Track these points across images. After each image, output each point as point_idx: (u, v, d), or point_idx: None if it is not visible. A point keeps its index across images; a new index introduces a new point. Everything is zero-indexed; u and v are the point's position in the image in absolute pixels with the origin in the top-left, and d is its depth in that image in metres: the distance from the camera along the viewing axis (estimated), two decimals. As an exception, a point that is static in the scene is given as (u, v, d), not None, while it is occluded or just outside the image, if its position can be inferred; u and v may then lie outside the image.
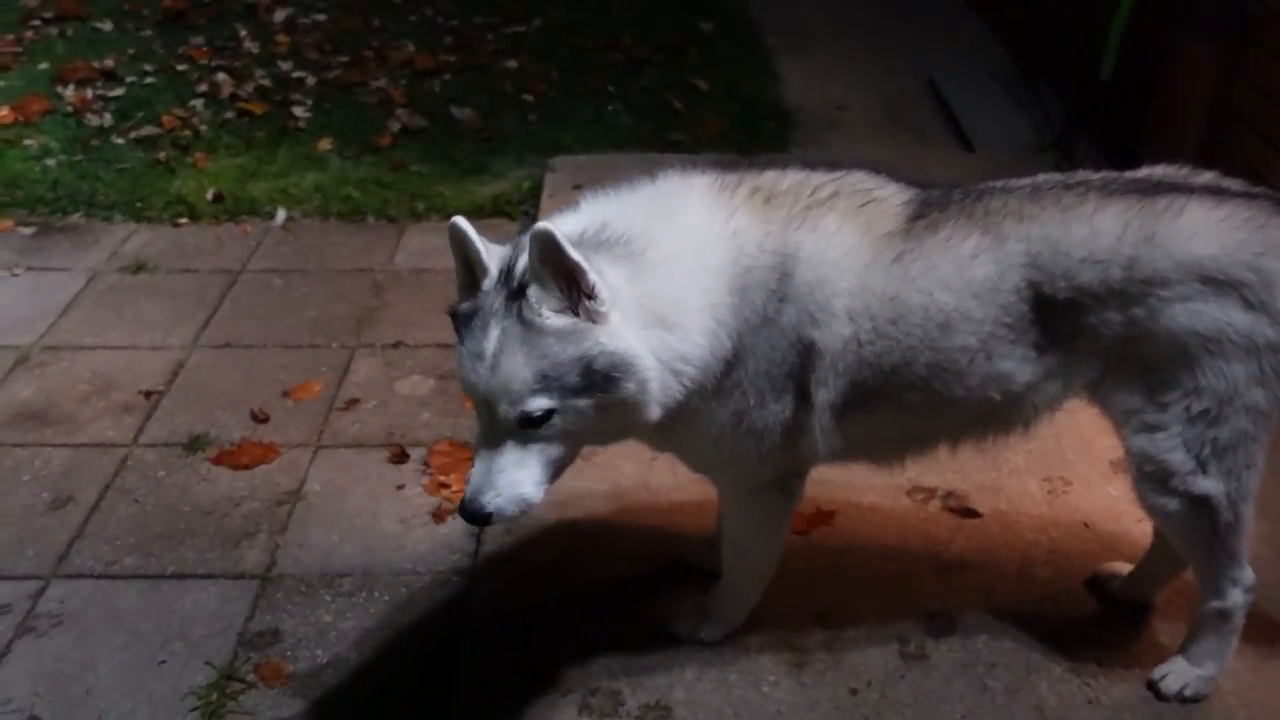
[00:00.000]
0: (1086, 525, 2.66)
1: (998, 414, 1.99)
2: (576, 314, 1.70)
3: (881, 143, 4.87)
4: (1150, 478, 1.99)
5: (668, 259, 1.80)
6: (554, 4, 6.41)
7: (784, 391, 1.88)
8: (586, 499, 2.76)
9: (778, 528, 2.17)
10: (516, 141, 4.76)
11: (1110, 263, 1.84)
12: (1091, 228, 1.85)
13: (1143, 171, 2.02)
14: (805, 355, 1.86)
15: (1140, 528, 2.53)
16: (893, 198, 1.91)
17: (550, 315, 1.69)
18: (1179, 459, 1.95)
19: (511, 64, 5.60)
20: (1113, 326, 1.88)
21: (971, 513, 2.70)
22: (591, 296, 1.69)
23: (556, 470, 1.82)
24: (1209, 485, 1.95)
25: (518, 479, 1.77)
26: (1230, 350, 1.85)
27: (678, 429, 1.92)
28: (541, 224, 1.66)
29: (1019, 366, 1.91)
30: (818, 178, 1.93)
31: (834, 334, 1.85)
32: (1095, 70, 4.21)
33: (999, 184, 1.99)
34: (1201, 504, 1.97)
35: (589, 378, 1.71)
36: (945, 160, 4.63)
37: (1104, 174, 1.99)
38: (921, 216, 1.89)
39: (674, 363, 1.77)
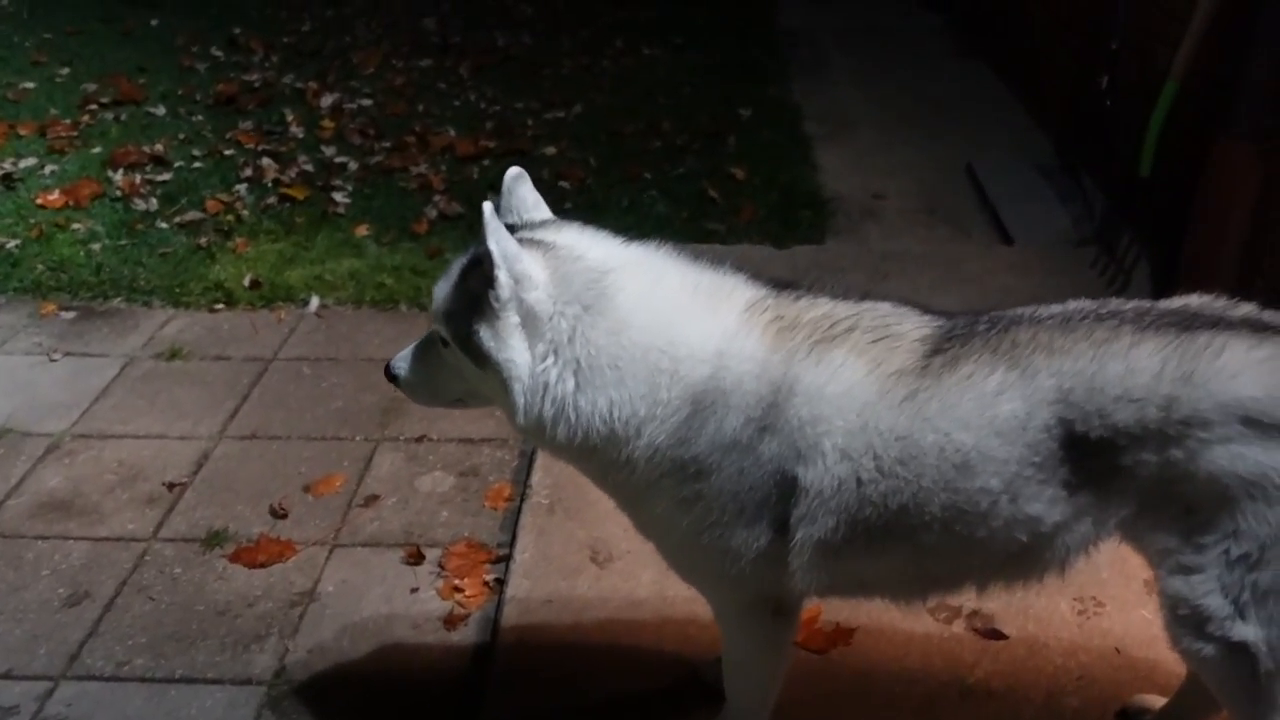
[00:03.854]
0: (1119, 651, 2.55)
1: (1027, 556, 1.90)
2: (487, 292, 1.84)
3: (918, 234, 4.83)
4: (1185, 621, 1.89)
5: (631, 326, 1.85)
6: (595, 89, 6.50)
7: (756, 520, 1.86)
8: (601, 608, 2.71)
9: (772, 651, 2.11)
10: None
11: (1147, 402, 1.76)
12: (1127, 364, 1.78)
13: (1178, 302, 1.94)
14: (787, 489, 1.83)
15: (1175, 655, 2.41)
16: (911, 333, 1.86)
17: (472, 280, 1.86)
18: (1216, 603, 1.85)
19: (551, 150, 5.65)
20: (1149, 467, 1.80)
21: (998, 634, 2.61)
22: (489, 285, 1.81)
23: (447, 386, 2.04)
24: (1248, 631, 1.85)
25: (411, 364, 2.09)
26: (1274, 494, 1.75)
27: (637, 514, 2.03)
28: (487, 203, 1.82)
29: (1048, 508, 1.83)
30: (843, 309, 1.91)
31: (824, 472, 1.80)
32: (1136, 164, 4.16)
33: (1027, 312, 1.92)
34: (1240, 651, 1.86)
35: (471, 346, 1.88)
36: (983, 253, 4.57)
37: (1136, 304, 1.91)
38: (940, 352, 1.83)
39: (560, 400, 1.87)
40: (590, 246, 1.92)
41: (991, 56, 6.75)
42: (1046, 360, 1.80)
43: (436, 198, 5.07)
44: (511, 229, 1.95)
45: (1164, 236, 4.14)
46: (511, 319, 1.84)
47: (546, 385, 1.85)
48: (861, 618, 2.61)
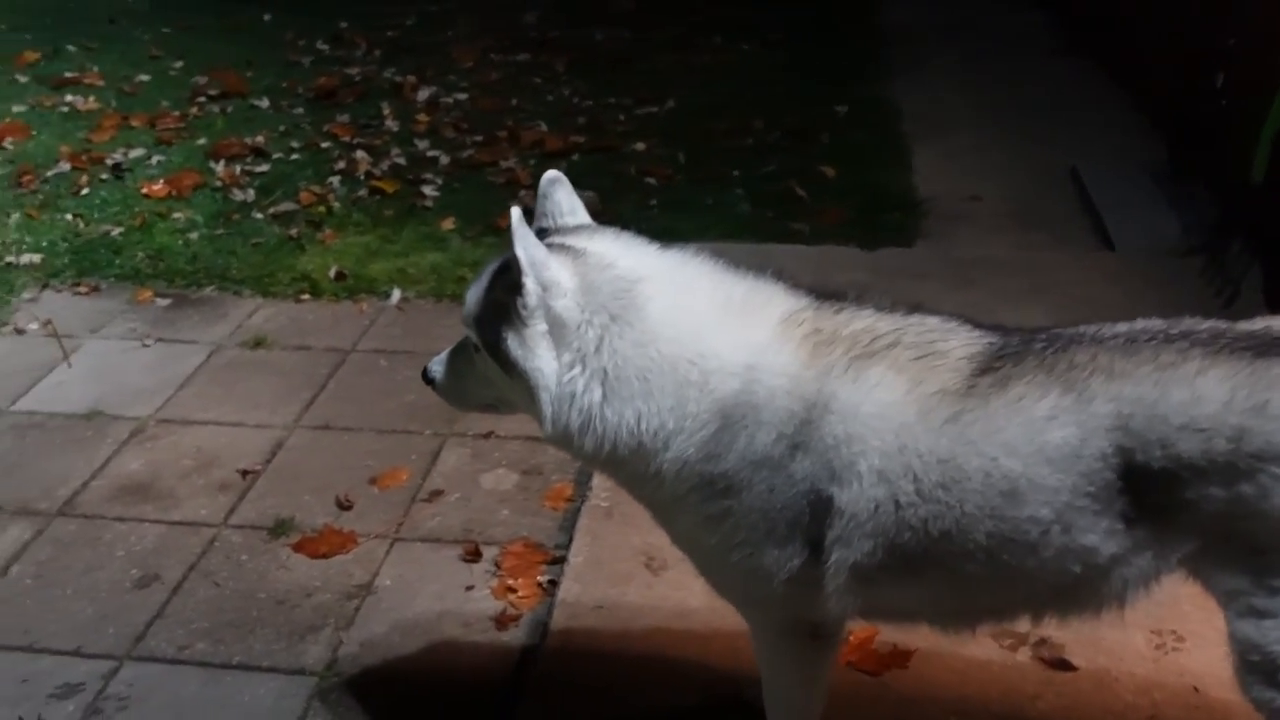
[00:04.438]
0: (1197, 690, 2.40)
1: (1081, 588, 1.79)
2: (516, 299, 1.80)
3: (1012, 239, 4.65)
4: (1256, 669, 1.75)
5: (659, 337, 1.80)
6: (689, 86, 6.44)
7: (788, 540, 1.79)
8: (651, 615, 2.67)
9: (809, 675, 2.04)
10: (634, 227, 4.64)
11: (1214, 433, 1.63)
12: (1193, 391, 1.65)
13: (1259, 323, 1.79)
14: (821, 510, 1.75)
15: (1257, 700, 2.26)
16: (957, 350, 1.77)
17: (500, 286, 1.83)
18: None
19: (640, 146, 5.62)
20: (1215, 502, 1.67)
21: (1066, 665, 2.48)
22: (517, 291, 1.78)
23: (478, 391, 2.03)
24: None
25: (445, 368, 2.09)
26: None
27: (668, 528, 1.98)
28: (515, 207, 1.77)
29: (1104, 539, 1.72)
30: (886, 323, 1.82)
31: (859, 494, 1.72)
32: (1249, 169, 3.93)
33: (1090, 330, 1.80)
34: (1315, 706, 1.73)
35: (499, 353, 1.85)
36: (1078, 261, 4.37)
37: (1212, 324, 1.77)
38: (990, 371, 1.73)
39: (587, 410, 1.83)
40: (622, 254, 1.87)
41: (1101, 54, 6.47)
42: (1105, 384, 1.68)
43: (522, 193, 5.08)
44: (545, 233, 1.92)
45: (1277, 245, 3.90)
46: (539, 327, 1.81)
47: (573, 395, 1.82)
48: (920, 640, 2.49)
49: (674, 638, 2.59)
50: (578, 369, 1.81)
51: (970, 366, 1.74)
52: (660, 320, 1.80)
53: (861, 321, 1.81)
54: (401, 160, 5.50)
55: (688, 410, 1.78)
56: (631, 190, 5.14)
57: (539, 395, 1.83)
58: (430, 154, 5.57)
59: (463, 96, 6.36)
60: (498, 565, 2.92)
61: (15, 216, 4.92)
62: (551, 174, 2.02)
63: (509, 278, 1.80)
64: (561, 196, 2.00)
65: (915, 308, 1.86)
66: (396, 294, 4.33)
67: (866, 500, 1.72)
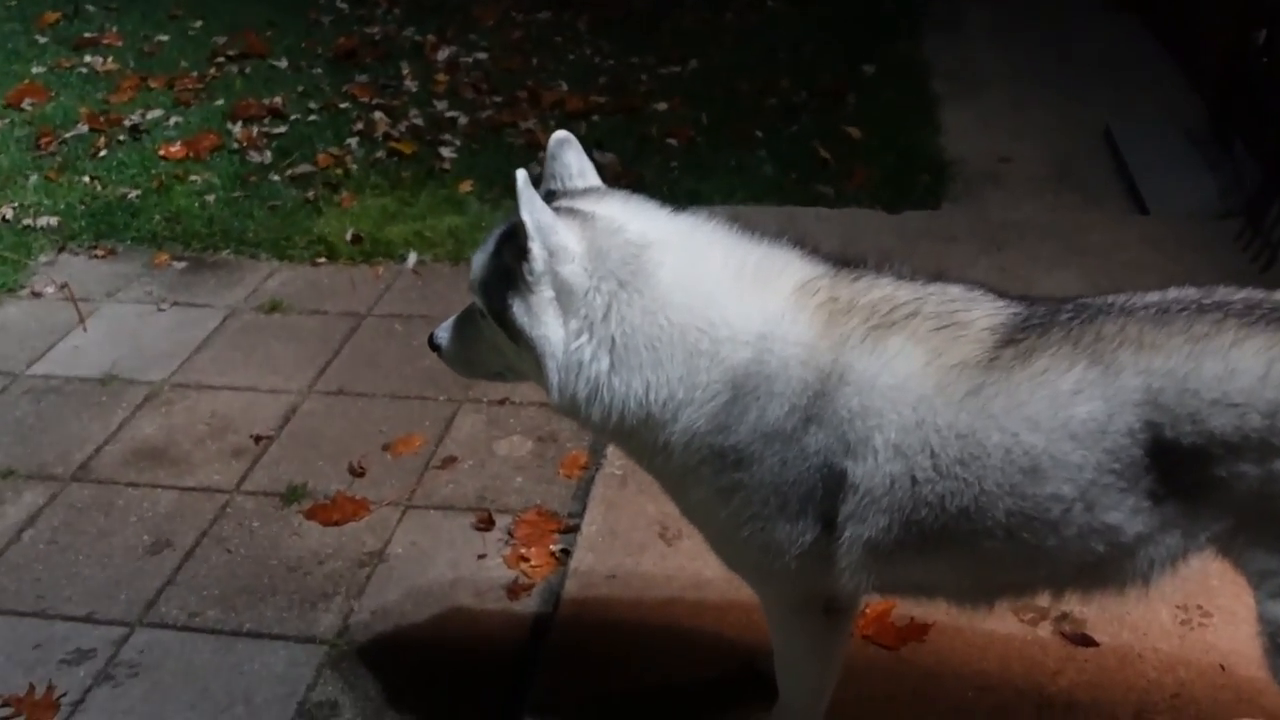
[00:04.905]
0: (1223, 668, 2.33)
1: (1104, 567, 1.73)
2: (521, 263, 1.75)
3: (1043, 202, 4.54)
4: None
5: (669, 305, 1.75)
6: (715, 45, 6.32)
7: (800, 515, 1.74)
8: (666, 586, 2.63)
9: (822, 652, 2.00)
10: (655, 189, 4.57)
11: (1248, 408, 1.56)
12: (1227, 364, 1.57)
13: None
14: (834, 484, 1.69)
15: (1288, 680, 2.20)
16: (980, 321, 1.69)
17: (506, 252, 1.77)
18: None
19: (662, 106, 5.52)
20: (1248, 480, 1.60)
21: (1088, 640, 2.42)
22: (523, 257, 1.72)
23: (485, 358, 1.97)
24: None
25: (452, 335, 2.03)
26: None
27: (678, 501, 1.93)
28: (520, 170, 1.71)
29: (1129, 518, 1.65)
30: (905, 292, 1.75)
31: (874, 468, 1.66)
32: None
33: (1120, 300, 1.73)
34: (1345, 688, 1.67)
35: (505, 320, 1.80)
36: (1112, 224, 4.26)
37: (1248, 294, 1.69)
38: (1013, 343, 1.66)
39: (594, 380, 1.78)
40: (631, 218, 1.80)
41: (1145, 10, 6.28)
42: (1134, 356, 1.61)
43: (542, 154, 4.95)
44: (553, 196, 1.86)
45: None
46: (545, 293, 1.75)
47: (580, 364, 1.76)
48: (938, 613, 2.44)
49: (688, 609, 2.54)
50: (585, 337, 1.76)
51: (993, 338, 1.67)
52: (670, 287, 1.74)
53: (880, 290, 1.74)
54: (420, 121, 5.42)
55: (698, 380, 1.73)
56: (653, 152, 5.05)
57: (545, 364, 1.78)
58: (449, 115, 5.49)
59: (483, 56, 6.26)
60: (511, 533, 2.89)
61: (34, 179, 4.90)
62: (560, 134, 1.95)
63: (515, 242, 1.74)
64: (570, 158, 1.93)
65: (936, 276, 1.79)
66: (413, 257, 4.29)
67: (882, 475, 1.66)
